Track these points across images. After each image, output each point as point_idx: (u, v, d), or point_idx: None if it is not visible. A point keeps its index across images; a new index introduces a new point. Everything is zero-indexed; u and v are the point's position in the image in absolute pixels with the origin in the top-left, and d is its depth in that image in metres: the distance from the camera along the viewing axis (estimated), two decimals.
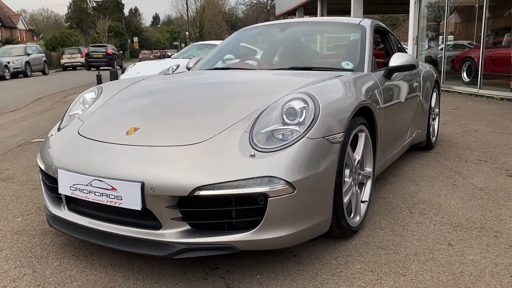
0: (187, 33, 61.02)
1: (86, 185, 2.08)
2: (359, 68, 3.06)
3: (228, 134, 2.11)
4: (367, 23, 3.53)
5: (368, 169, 2.75)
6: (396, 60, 3.13)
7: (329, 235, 2.39)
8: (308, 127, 2.09)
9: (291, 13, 27.56)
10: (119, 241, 2.06)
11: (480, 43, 9.71)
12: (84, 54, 29.44)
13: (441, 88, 10.56)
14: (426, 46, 12.54)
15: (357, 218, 2.56)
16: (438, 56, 11.90)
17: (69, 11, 73.74)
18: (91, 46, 30.73)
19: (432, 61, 12.23)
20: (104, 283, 2.09)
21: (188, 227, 1.99)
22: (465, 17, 12.07)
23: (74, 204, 2.28)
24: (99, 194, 2.06)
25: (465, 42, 11.79)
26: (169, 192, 1.93)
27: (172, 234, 1.98)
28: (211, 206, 1.96)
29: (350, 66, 3.08)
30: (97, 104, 2.78)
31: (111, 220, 2.11)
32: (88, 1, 74.10)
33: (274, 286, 2.04)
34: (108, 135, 2.30)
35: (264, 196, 1.92)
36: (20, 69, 21.76)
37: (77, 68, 31.28)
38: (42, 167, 2.41)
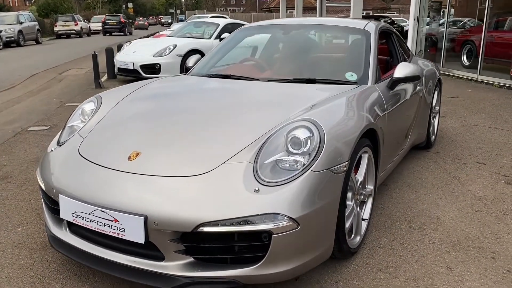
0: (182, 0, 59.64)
1: (89, 214, 2.07)
2: (363, 80, 3.01)
3: (233, 165, 2.09)
4: (371, 28, 3.45)
5: (370, 187, 2.75)
6: (401, 71, 3.08)
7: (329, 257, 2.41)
8: (312, 159, 2.07)
9: None
10: (121, 270, 2.06)
11: (483, 26, 9.57)
12: (102, 22, 34.06)
13: (441, 72, 10.53)
14: (427, 27, 12.35)
15: (358, 238, 2.57)
16: (439, 37, 11.74)
17: None
18: (107, 16, 35.37)
19: (432, 42, 12.09)
20: None
21: (191, 259, 1.99)
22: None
23: (76, 226, 2.27)
24: (101, 224, 2.05)
25: (468, 22, 11.63)
26: (172, 227, 1.93)
27: (175, 266, 1.99)
28: (215, 241, 1.96)
29: (354, 77, 3.03)
30: (96, 117, 2.73)
31: (114, 247, 2.11)
32: None
33: None
34: (110, 159, 2.26)
35: (268, 233, 1.92)
36: (13, 39, 21.32)
37: (71, 36, 30.66)
38: (43, 186, 2.38)
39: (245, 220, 1.90)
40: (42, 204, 2.51)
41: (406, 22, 19.53)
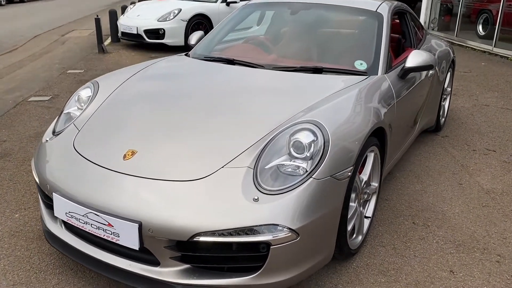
0: None
1: (82, 216, 2.01)
2: (373, 70, 2.85)
3: (232, 170, 1.99)
4: (385, 9, 3.25)
5: (375, 184, 2.66)
6: (413, 60, 2.92)
7: None
8: (316, 165, 1.97)
9: None
10: (116, 272, 2.02)
11: None
12: None
13: (454, 42, 10.18)
14: None
15: (359, 238, 2.51)
16: (455, 4, 11.27)
17: None
18: None
19: (447, 9, 11.63)
20: None
21: (187, 266, 1.94)
22: None
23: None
24: (95, 227, 1.99)
25: None
26: (167, 235, 1.86)
27: (170, 273, 1.94)
28: (211, 251, 1.90)
29: (364, 66, 2.87)
30: (93, 106, 2.62)
31: (110, 248, 2.06)
32: None
33: None
34: (105, 157, 2.18)
35: (266, 244, 1.86)
36: None
37: None
38: (37, 180, 2.32)
39: (243, 231, 1.83)
40: (39, 196, 2.46)
41: None
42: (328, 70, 2.85)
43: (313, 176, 1.95)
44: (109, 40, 9.80)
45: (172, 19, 8.75)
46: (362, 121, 2.31)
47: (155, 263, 1.96)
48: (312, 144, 2.03)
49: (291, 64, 2.93)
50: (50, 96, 5.64)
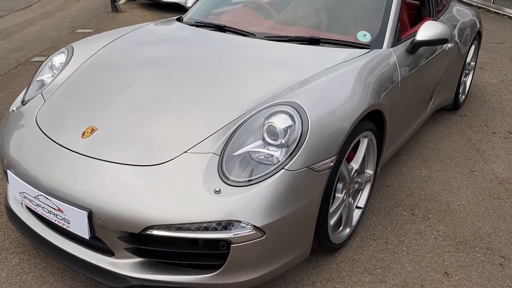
0: None
1: (34, 197, 1.84)
2: (377, 42, 2.53)
3: (195, 156, 1.77)
4: None
5: (369, 171, 2.41)
6: (425, 33, 2.57)
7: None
8: (290, 154, 1.73)
9: None
10: (71, 259, 1.87)
11: None
12: None
13: (491, 9, 9.44)
14: None
15: (347, 230, 2.29)
16: None
17: None
18: None
19: None
20: None
21: (142, 259, 1.77)
22: None
23: None
24: (47, 211, 1.83)
25: None
26: (118, 226, 1.69)
27: (125, 265, 1.77)
28: (166, 245, 1.71)
29: (368, 38, 2.54)
30: (64, 74, 2.42)
31: (66, 233, 1.90)
32: None
33: None
34: (63, 133, 1.99)
35: (226, 242, 1.65)
36: None
37: None
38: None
39: (199, 227, 1.63)
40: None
41: None
42: (326, 41, 2.54)
43: (285, 167, 1.71)
44: None
45: None
46: (354, 103, 2.03)
47: (110, 252, 1.80)
48: (288, 130, 1.78)
49: (286, 33, 2.63)
50: None
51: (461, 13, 3.84)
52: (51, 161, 1.88)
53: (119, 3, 8.55)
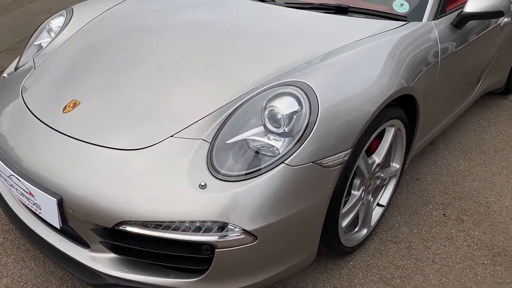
0: None
1: (7, 177, 1.66)
2: (416, 14, 2.14)
3: (181, 141, 1.52)
4: None
5: (395, 165, 2.08)
6: (475, 4, 2.16)
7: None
8: (293, 146, 1.44)
9: None
10: (47, 247, 1.68)
11: None
12: None
13: None
14: None
15: (364, 231, 1.99)
16: None
17: None
18: None
19: None
20: (35, 285, 1.80)
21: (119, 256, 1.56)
22: None
23: None
24: (20, 193, 1.64)
25: None
26: (89, 218, 1.47)
27: (100, 260, 1.56)
28: (142, 244, 1.48)
29: (405, 8, 2.16)
30: (60, 39, 2.21)
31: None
32: None
33: None
34: (45, 106, 1.78)
35: (210, 246, 1.41)
36: None
37: None
38: None
39: (178, 227, 1.39)
40: None
41: None
42: (356, 10, 2.17)
43: (286, 161, 1.42)
44: None
45: None
46: (380, 86, 1.69)
47: (86, 244, 1.60)
48: (294, 116, 1.48)
49: (307, 0, 2.28)
50: None
51: None
52: (27, 138, 1.69)
53: None
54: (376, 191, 2.09)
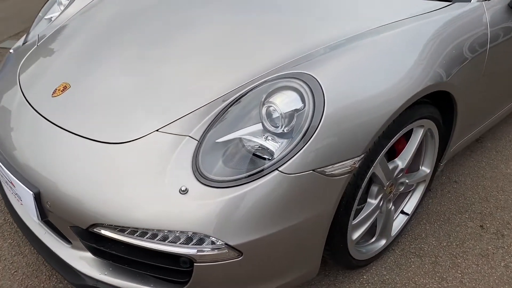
0: None
1: None
2: None
3: (166, 137, 1.35)
4: None
5: (425, 169, 1.81)
6: None
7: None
8: (290, 150, 1.23)
9: None
10: (33, 239, 1.59)
11: None
12: None
13: None
14: None
15: (382, 242, 1.76)
16: None
17: None
18: None
19: None
20: (25, 274, 1.73)
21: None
22: None
23: None
24: (5, 182, 1.56)
25: None
26: (65, 215, 1.35)
27: (80, 259, 1.45)
28: (120, 249, 1.34)
29: None
30: (68, 12, 2.08)
31: None
32: None
33: None
34: (37, 88, 1.66)
35: (188, 259, 1.25)
36: None
37: None
38: None
39: (155, 235, 1.23)
40: None
41: None
42: None
43: (280, 168, 1.22)
44: None
45: None
46: (408, 80, 1.42)
47: (67, 240, 1.49)
48: (295, 116, 1.27)
49: None
50: None
51: None
52: (15, 122, 1.58)
53: None
54: (401, 197, 1.84)
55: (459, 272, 1.79)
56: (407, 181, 1.72)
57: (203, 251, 1.21)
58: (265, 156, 1.26)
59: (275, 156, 1.24)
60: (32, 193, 1.37)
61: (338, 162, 1.28)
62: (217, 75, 1.48)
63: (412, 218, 1.91)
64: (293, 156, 1.22)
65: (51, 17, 2.18)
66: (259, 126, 1.30)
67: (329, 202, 1.33)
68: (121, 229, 1.26)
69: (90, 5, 2.09)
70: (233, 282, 1.32)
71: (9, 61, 1.96)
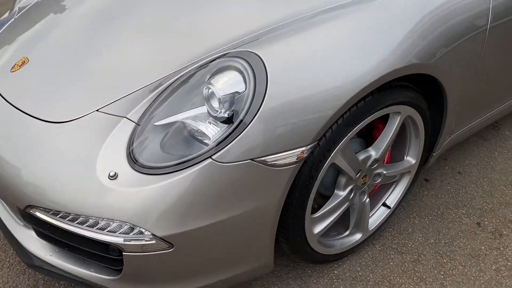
0: None
1: None
2: None
3: (104, 118, 1.27)
4: None
5: (411, 160, 1.64)
6: None
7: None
8: (226, 137, 1.13)
9: None
10: None
11: None
12: None
13: None
14: None
15: (357, 236, 1.63)
16: None
17: None
18: None
19: None
20: (8, 276, 1.75)
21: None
22: None
23: None
24: None
25: None
26: (7, 194, 1.33)
27: (32, 239, 1.43)
28: (57, 232, 1.30)
29: None
30: None
31: None
32: None
33: None
34: (1, 63, 1.63)
35: (117, 247, 1.19)
36: None
37: None
38: None
39: (85, 220, 1.18)
40: None
41: None
42: None
43: (213, 157, 1.12)
44: None
45: None
46: (376, 58, 1.26)
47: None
48: (235, 97, 1.15)
49: None
50: None
51: None
52: None
53: None
54: (383, 189, 1.69)
55: (441, 273, 1.63)
56: (384, 172, 1.57)
57: (130, 240, 1.15)
58: (206, 142, 1.16)
59: (210, 142, 1.14)
60: None
61: (282, 152, 1.16)
62: (165, 56, 1.39)
63: (396, 211, 1.76)
64: (228, 144, 1.12)
65: None
66: (203, 109, 1.20)
67: (274, 194, 1.21)
68: (54, 213, 1.22)
69: None
70: (169, 274, 1.25)
71: None
